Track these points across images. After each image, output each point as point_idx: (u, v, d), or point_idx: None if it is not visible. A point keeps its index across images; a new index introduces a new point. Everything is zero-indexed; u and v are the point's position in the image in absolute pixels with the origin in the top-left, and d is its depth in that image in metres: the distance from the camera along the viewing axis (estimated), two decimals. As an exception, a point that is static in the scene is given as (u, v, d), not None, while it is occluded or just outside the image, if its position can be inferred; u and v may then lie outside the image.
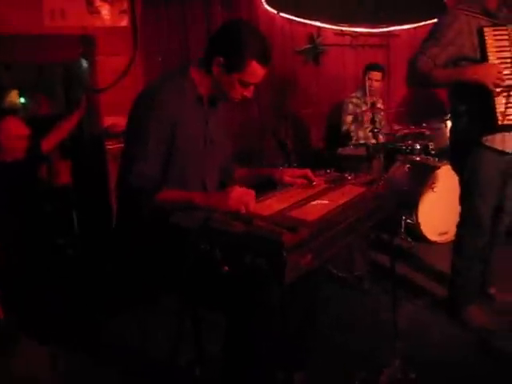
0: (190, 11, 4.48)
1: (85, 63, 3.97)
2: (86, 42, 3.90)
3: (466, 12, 2.70)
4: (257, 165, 2.91)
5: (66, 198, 4.05)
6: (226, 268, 1.60)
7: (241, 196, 1.80)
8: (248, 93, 2.09)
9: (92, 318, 3.13)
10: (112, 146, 3.76)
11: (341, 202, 1.95)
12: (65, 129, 3.68)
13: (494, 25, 2.67)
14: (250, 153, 4.57)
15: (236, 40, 1.98)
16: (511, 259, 2.64)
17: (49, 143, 3.58)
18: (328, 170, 2.47)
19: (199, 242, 1.67)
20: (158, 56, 4.22)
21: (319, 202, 1.98)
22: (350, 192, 2.11)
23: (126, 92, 3.88)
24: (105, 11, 3.98)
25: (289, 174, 2.27)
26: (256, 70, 2.01)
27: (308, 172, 2.25)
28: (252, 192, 1.85)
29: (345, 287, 3.46)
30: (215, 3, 4.62)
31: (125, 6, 4.08)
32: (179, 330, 2.14)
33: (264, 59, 2.01)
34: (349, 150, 4.78)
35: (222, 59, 1.98)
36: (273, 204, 1.94)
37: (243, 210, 1.76)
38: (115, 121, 3.84)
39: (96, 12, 3.94)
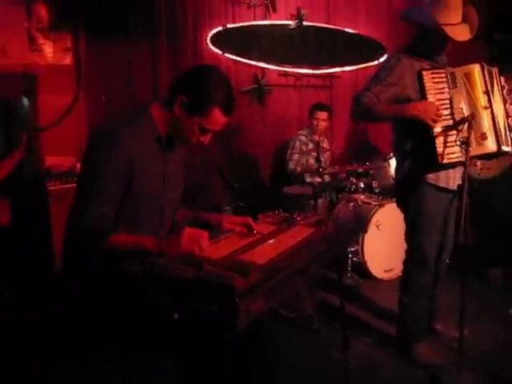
0: (136, 50, 4.47)
1: (26, 101, 3.87)
2: (28, 80, 3.82)
3: (408, 55, 2.84)
4: (203, 204, 2.88)
5: (4, 240, 3.89)
6: (176, 315, 1.55)
7: (193, 236, 1.77)
8: (205, 139, 2.05)
9: (29, 367, 2.97)
10: (54, 186, 3.64)
11: (291, 243, 1.94)
12: (4, 169, 3.54)
13: (433, 68, 2.79)
14: (196, 192, 4.53)
15: (204, 83, 1.95)
16: (453, 295, 2.70)
17: None
18: (276, 211, 2.47)
19: (146, 288, 1.61)
20: (102, 95, 4.17)
21: (269, 244, 1.97)
22: (299, 233, 2.10)
23: (69, 131, 3.83)
24: (48, 49, 3.93)
25: (228, 221, 2.22)
26: (218, 118, 1.98)
27: (249, 220, 2.19)
28: (204, 232, 1.82)
29: (294, 328, 3.43)
30: (161, 43, 4.64)
31: (68, 43, 4.04)
32: (125, 380, 2.05)
33: (228, 109, 1.99)
34: (295, 189, 4.82)
35: (185, 99, 1.94)
36: (222, 247, 1.91)
37: (197, 251, 1.72)
38: (58, 161, 3.74)
39: (39, 50, 3.89)
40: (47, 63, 3.95)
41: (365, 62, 5.86)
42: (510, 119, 2.86)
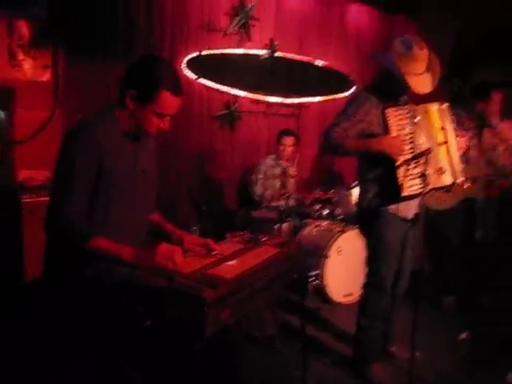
0: (113, 72, 4.56)
1: (2, 114, 3.93)
2: (5, 94, 3.88)
3: (373, 94, 3.02)
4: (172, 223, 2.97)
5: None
6: (148, 322, 1.66)
7: (167, 252, 1.88)
8: (164, 124, 2.12)
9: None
10: (28, 199, 3.69)
11: (256, 261, 2.07)
12: None
13: (396, 105, 2.98)
14: (164, 213, 4.61)
15: (146, 72, 2.04)
16: (408, 319, 2.85)
17: None
18: (243, 232, 2.60)
19: (121, 296, 1.71)
20: (78, 112, 4.25)
21: (236, 261, 2.09)
22: (264, 253, 2.24)
23: (44, 146, 3.89)
24: (27, 65, 4.00)
25: (189, 241, 2.29)
26: (168, 100, 2.05)
27: (210, 242, 2.26)
28: (178, 249, 1.93)
29: (256, 346, 3.52)
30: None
31: (47, 61, 4.12)
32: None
33: (175, 88, 2.06)
34: (261, 213, 4.94)
35: (134, 92, 2.03)
36: (192, 262, 2.03)
37: (170, 266, 1.84)
38: (31, 174, 3.80)
39: (18, 65, 3.96)
40: (26, 79, 4.02)
41: (333, 94, 6.10)
42: (460, 151, 3.07)
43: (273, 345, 3.50)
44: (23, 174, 3.92)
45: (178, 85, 2.09)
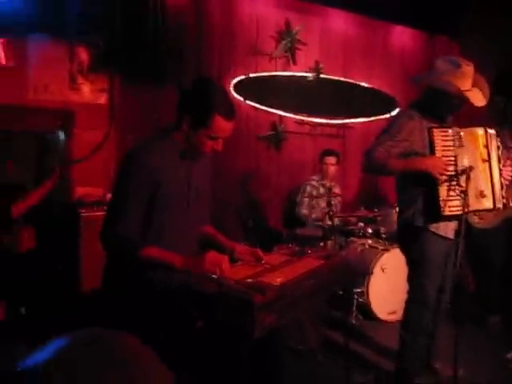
0: (164, 96, 4.77)
1: (62, 135, 4.18)
2: (66, 116, 4.14)
3: (417, 113, 3.06)
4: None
5: (30, 264, 4.09)
6: (200, 324, 1.78)
7: (216, 260, 2.01)
8: (217, 146, 2.22)
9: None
10: (85, 213, 3.90)
11: (301, 271, 2.17)
12: (36, 196, 3.77)
13: (442, 126, 3.04)
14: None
15: (200, 97, 2.14)
16: (453, 337, 2.87)
17: (19, 209, 3.67)
18: (290, 245, 2.72)
19: (178, 300, 1.85)
20: (131, 133, 4.48)
21: (282, 270, 2.20)
22: (309, 264, 2.34)
23: (99, 165, 4.11)
24: (86, 88, 4.27)
25: (240, 250, 2.40)
26: (221, 124, 2.14)
27: (258, 251, 2.38)
28: (226, 257, 2.06)
29: (299, 359, 3.59)
30: (187, 88, 4.93)
31: (104, 85, 4.38)
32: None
33: (228, 113, 2.15)
34: (306, 231, 5.04)
35: (189, 117, 2.14)
36: (241, 270, 2.16)
37: (218, 273, 1.96)
38: (88, 191, 4.02)
39: (77, 89, 4.23)
40: (84, 101, 4.29)
41: (377, 115, 6.19)
42: (502, 177, 3.11)
43: (315, 358, 3.56)
44: (80, 191, 4.14)
45: (230, 109, 2.19)
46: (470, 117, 3.11)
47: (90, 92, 4.31)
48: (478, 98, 2.98)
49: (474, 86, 3.01)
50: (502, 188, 3.10)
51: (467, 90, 2.96)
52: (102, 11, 4.21)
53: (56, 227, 4.13)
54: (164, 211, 2.17)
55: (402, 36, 6.64)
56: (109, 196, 3.61)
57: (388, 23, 6.49)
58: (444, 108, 3.08)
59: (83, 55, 4.25)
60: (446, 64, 3.02)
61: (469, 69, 2.98)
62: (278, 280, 1.97)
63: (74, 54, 4.23)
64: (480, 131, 3.08)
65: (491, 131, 3.11)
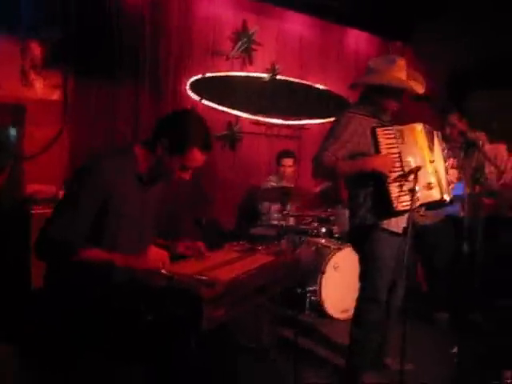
0: (120, 93, 4.75)
1: (13, 131, 4.10)
2: (17, 111, 4.06)
3: (358, 114, 3.15)
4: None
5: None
6: (149, 318, 1.79)
7: (157, 255, 2.02)
8: (186, 175, 2.29)
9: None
10: (38, 210, 3.83)
11: (251, 267, 2.21)
12: None
13: (383, 125, 3.14)
14: (166, 228, 4.73)
15: (182, 126, 2.20)
16: (413, 334, 2.95)
17: None
18: (241, 242, 2.75)
19: (124, 293, 1.85)
20: (85, 130, 4.44)
21: (232, 266, 2.23)
22: (260, 259, 2.38)
23: (52, 162, 4.06)
24: (38, 84, 4.19)
25: (182, 246, 2.45)
26: (196, 157, 2.22)
27: (201, 245, 2.45)
28: (165, 252, 2.07)
29: (252, 357, 3.61)
30: (143, 87, 4.93)
31: (57, 81, 4.32)
32: None
33: (205, 147, 2.23)
34: (260, 230, 5.08)
35: (167, 141, 2.18)
36: (191, 265, 2.18)
37: (161, 267, 1.97)
38: (40, 188, 3.95)
39: (30, 85, 4.15)
40: (37, 97, 4.21)
41: (332, 117, 6.24)
42: (448, 175, 3.23)
43: (268, 356, 3.60)
44: (32, 188, 4.07)
45: (208, 143, 2.26)
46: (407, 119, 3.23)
47: (42, 88, 4.24)
48: (418, 87, 3.15)
49: (409, 78, 3.16)
50: (448, 184, 3.21)
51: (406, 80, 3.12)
52: (55, 5, 4.15)
53: (6, 224, 4.04)
54: (114, 230, 2.17)
55: (357, 40, 6.77)
56: (61, 193, 3.56)
57: (344, 27, 6.60)
58: (382, 106, 3.18)
59: (36, 50, 4.18)
60: (381, 62, 3.17)
61: (402, 62, 3.14)
62: (227, 274, 2.00)
63: (27, 50, 4.14)
64: (419, 127, 3.20)
65: (431, 128, 3.25)
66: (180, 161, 2.21)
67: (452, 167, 3.36)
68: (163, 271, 1.96)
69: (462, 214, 3.29)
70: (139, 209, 2.29)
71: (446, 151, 3.31)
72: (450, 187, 3.24)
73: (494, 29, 5.55)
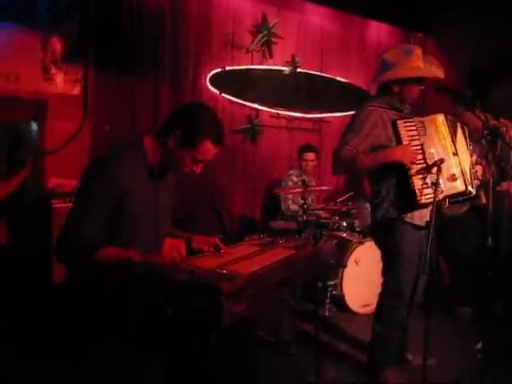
0: (140, 86, 4.77)
1: (35, 126, 4.13)
2: (38, 106, 4.09)
3: (378, 107, 3.11)
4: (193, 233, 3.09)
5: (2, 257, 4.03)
6: (169, 311, 1.78)
7: (173, 246, 2.01)
8: (197, 169, 2.26)
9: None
10: (58, 204, 3.87)
11: (272, 260, 2.18)
12: (8, 188, 3.70)
13: (403, 117, 3.09)
14: (186, 221, 4.74)
15: (195, 118, 2.18)
16: (436, 329, 2.91)
17: None
18: (262, 235, 2.73)
19: (144, 286, 1.85)
20: (106, 125, 4.45)
21: (252, 259, 2.21)
22: (281, 253, 2.35)
23: (73, 156, 4.08)
24: (59, 79, 4.22)
25: (198, 241, 2.41)
26: (208, 149, 2.19)
27: (216, 240, 2.41)
28: (182, 242, 2.06)
29: (272, 351, 3.60)
30: (163, 80, 4.95)
31: (78, 75, 4.34)
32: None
33: (217, 140, 2.21)
34: (280, 224, 5.07)
35: (179, 133, 2.16)
36: (211, 259, 2.16)
37: (178, 258, 1.96)
38: (61, 182, 3.98)
39: (50, 79, 4.18)
40: (57, 92, 4.24)
41: (353, 110, 6.16)
42: (473, 170, 3.18)
43: (289, 349, 3.58)
44: (53, 182, 4.10)
45: (220, 136, 2.23)
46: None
47: (63, 82, 4.27)
48: (438, 72, 3.11)
49: (426, 65, 3.12)
50: (473, 177, 3.15)
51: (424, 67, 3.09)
52: (75, 0, 4.17)
53: (28, 219, 4.08)
54: (130, 226, 2.16)
55: (378, 32, 6.71)
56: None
57: (364, 19, 6.54)
58: (403, 96, 3.15)
59: (56, 45, 4.21)
60: (398, 54, 3.11)
61: (419, 51, 3.10)
62: (248, 268, 1.98)
63: (48, 44, 4.18)
64: (440, 117, 3.15)
65: (453, 119, 3.20)
66: (191, 153, 2.19)
67: (476, 163, 3.29)
68: (183, 265, 1.95)
69: (484, 201, 3.21)
70: (153, 202, 2.28)
71: (471, 145, 3.24)
72: (475, 182, 3.18)
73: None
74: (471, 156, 3.22)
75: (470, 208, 4.08)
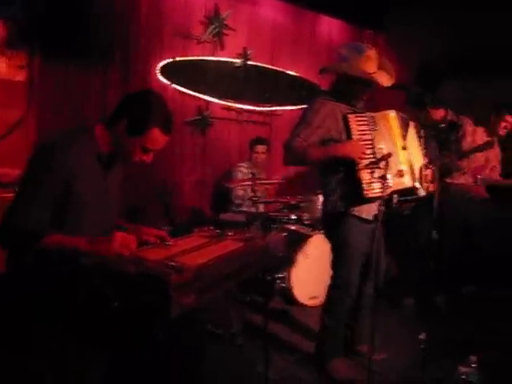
0: (88, 76, 4.65)
1: (-25, 113, 3.99)
2: (-21, 93, 3.94)
3: (330, 100, 3.15)
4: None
5: None
6: (116, 304, 1.75)
7: (124, 240, 1.97)
8: (147, 158, 2.24)
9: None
10: (1, 194, 3.73)
11: (221, 253, 2.18)
12: None
13: (355, 112, 3.14)
14: (134, 212, 4.68)
15: (141, 106, 2.15)
16: (379, 320, 2.96)
17: None
18: (210, 228, 2.71)
19: (92, 278, 1.81)
20: (52, 113, 4.32)
21: (201, 251, 2.20)
22: (229, 245, 2.35)
23: (17, 144, 3.94)
24: (2, 64, 4.06)
25: (145, 231, 2.39)
26: (157, 137, 2.16)
27: (163, 233, 2.39)
28: (133, 237, 2.02)
29: (220, 343, 3.60)
30: (113, 70, 4.84)
31: (23, 61, 4.19)
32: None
33: (166, 127, 2.18)
34: (230, 216, 5.07)
35: (126, 122, 2.13)
36: (160, 251, 2.14)
37: (126, 253, 1.93)
38: (4, 171, 3.84)
39: (-7, 64, 4.03)
40: (0, 78, 4.08)
41: (304, 104, 6.23)
42: (425, 173, 3.28)
43: (236, 341, 3.59)
44: (-4, 170, 3.96)
45: (169, 124, 2.20)
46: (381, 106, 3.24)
47: (6, 68, 4.10)
48: (385, 79, 3.13)
49: (379, 68, 3.15)
50: (422, 175, 3.23)
51: (374, 73, 3.09)
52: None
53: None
54: (77, 213, 2.12)
55: (329, 27, 6.78)
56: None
57: (316, 13, 6.58)
58: (353, 93, 3.19)
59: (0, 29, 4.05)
60: (351, 51, 3.13)
61: (372, 52, 3.12)
62: (196, 260, 1.97)
63: (-11, 27, 4.02)
64: (392, 114, 3.22)
65: (405, 116, 3.27)
66: (140, 142, 2.16)
67: (427, 168, 3.38)
68: (131, 256, 1.92)
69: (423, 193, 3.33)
70: (102, 190, 2.25)
71: (425, 149, 3.33)
72: (426, 185, 3.26)
73: (467, 16, 5.60)
74: (423, 159, 3.31)
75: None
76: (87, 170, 2.15)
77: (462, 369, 2.82)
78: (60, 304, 1.98)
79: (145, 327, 1.85)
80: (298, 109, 6.21)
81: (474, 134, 4.65)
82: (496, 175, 4.89)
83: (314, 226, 4.84)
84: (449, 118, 4.45)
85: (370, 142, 3.09)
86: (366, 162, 3.05)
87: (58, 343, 2.01)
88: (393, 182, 3.06)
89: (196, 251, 2.18)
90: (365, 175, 3.04)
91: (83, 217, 2.14)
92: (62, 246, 1.99)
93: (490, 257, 4.53)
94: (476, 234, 4.66)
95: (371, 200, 3.08)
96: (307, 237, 4.65)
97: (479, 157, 4.73)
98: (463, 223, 4.57)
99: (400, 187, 3.15)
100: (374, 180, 3.03)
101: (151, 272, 1.77)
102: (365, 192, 3.02)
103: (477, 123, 4.72)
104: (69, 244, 2.00)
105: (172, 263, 1.88)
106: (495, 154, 4.87)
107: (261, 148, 5.37)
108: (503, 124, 4.64)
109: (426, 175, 3.34)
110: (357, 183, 3.04)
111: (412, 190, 3.22)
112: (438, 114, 4.42)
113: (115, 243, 1.95)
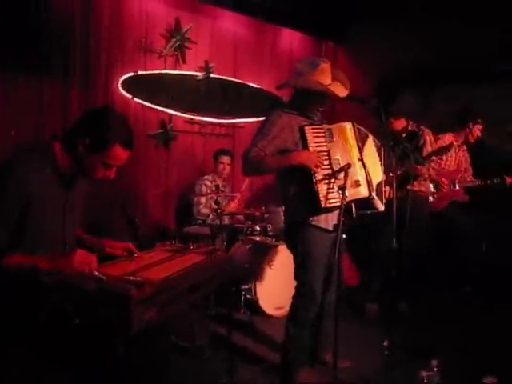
0: (49, 90, 4.61)
1: None
2: None
3: (287, 113, 3.21)
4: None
5: None
6: (77, 321, 1.75)
7: (84, 258, 1.97)
8: (110, 173, 2.23)
9: None
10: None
11: (182, 266, 2.20)
12: None
13: (312, 124, 3.20)
14: (98, 226, 4.64)
15: (102, 123, 2.15)
16: (343, 328, 3.00)
17: None
18: (173, 241, 2.73)
19: (52, 295, 1.80)
20: (12, 128, 4.27)
21: (163, 265, 2.21)
22: (191, 259, 2.37)
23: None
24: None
25: (110, 245, 2.41)
26: (119, 153, 2.17)
27: (130, 245, 2.42)
28: (94, 256, 2.02)
29: (186, 356, 3.59)
30: (73, 84, 4.80)
31: (-20, 75, 4.13)
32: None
33: (127, 144, 2.18)
34: (194, 229, 5.07)
35: (87, 140, 2.12)
36: (122, 266, 2.14)
37: (87, 271, 1.93)
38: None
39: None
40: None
41: (266, 115, 6.30)
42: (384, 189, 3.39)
43: (202, 354, 3.59)
44: None
45: (130, 140, 2.21)
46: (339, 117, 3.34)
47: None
48: (340, 90, 3.19)
49: (334, 79, 3.22)
50: (380, 189, 3.33)
51: (329, 85, 3.16)
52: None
53: None
54: (37, 232, 2.10)
55: (290, 39, 6.87)
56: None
57: (277, 26, 6.67)
58: (310, 106, 3.26)
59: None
60: (306, 65, 3.21)
61: (326, 65, 3.19)
62: (158, 275, 1.98)
63: None
64: (348, 125, 3.30)
65: (361, 127, 3.35)
66: (102, 158, 2.16)
67: (385, 185, 3.48)
68: (92, 273, 1.92)
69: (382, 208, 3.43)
70: (62, 209, 2.24)
71: (382, 166, 3.41)
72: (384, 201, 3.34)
73: (427, 28, 5.76)
74: (382, 174, 3.39)
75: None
76: (47, 189, 2.13)
77: (423, 373, 2.88)
78: (20, 323, 1.97)
79: (106, 343, 1.85)
80: (260, 121, 6.24)
81: (439, 142, 4.85)
82: (469, 176, 5.24)
83: (279, 237, 4.88)
84: (409, 127, 4.59)
85: (326, 154, 3.15)
86: (323, 172, 3.10)
87: (18, 362, 1.99)
88: (349, 193, 3.11)
89: (158, 265, 2.20)
90: (321, 186, 3.09)
91: (42, 235, 2.12)
92: (21, 266, 1.98)
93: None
94: (458, 237, 4.95)
95: (328, 210, 3.13)
96: (272, 247, 4.69)
97: (451, 161, 5.10)
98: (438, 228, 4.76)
99: (356, 197, 3.21)
100: (330, 190, 3.09)
101: (111, 288, 1.78)
102: (321, 202, 3.07)
103: (439, 132, 4.91)
104: (29, 263, 1.98)
105: (133, 278, 1.88)
106: (465, 157, 5.26)
107: (225, 159, 5.40)
108: (476, 132, 5.06)
109: (385, 191, 3.43)
110: (313, 193, 3.09)
111: (370, 201, 3.29)
112: (399, 124, 4.56)
113: (75, 261, 1.94)
